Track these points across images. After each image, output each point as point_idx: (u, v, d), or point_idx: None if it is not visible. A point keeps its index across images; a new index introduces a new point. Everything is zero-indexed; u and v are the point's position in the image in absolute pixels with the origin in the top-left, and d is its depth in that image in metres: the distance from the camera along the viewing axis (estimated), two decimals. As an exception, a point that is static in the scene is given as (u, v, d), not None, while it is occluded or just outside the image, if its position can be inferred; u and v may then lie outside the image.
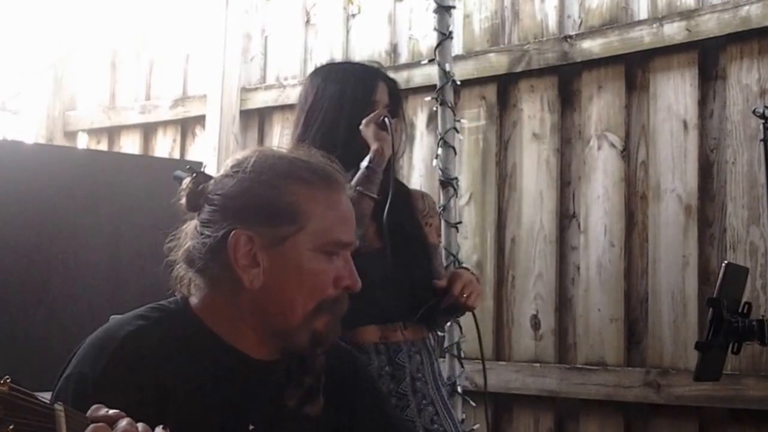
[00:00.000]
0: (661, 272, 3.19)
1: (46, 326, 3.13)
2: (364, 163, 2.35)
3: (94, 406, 1.12)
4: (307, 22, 4.35)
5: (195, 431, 1.33)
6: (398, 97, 2.58)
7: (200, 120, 4.57)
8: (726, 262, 2.20)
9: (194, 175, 1.48)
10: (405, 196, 2.59)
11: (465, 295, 2.36)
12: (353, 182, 2.31)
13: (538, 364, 3.39)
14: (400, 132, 2.53)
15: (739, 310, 2.13)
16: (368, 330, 2.37)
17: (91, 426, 1.07)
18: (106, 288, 3.26)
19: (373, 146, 2.36)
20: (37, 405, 1.02)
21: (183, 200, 1.49)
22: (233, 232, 1.41)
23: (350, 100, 2.44)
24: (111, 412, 1.11)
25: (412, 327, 2.43)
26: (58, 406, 1.05)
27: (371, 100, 2.45)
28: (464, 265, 3.00)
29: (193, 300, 1.49)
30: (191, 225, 1.49)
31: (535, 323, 3.44)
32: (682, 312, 3.13)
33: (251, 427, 1.42)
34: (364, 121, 2.38)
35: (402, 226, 2.46)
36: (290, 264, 1.42)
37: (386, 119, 2.38)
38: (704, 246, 3.13)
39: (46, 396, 1.12)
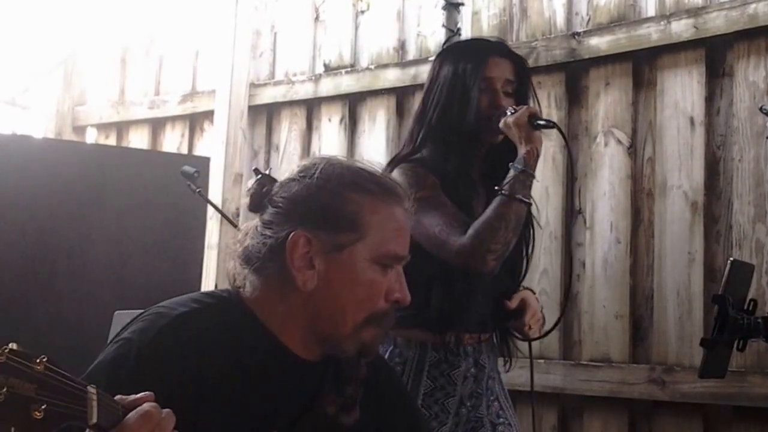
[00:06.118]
0: (667, 269, 3.19)
1: (50, 320, 3.15)
2: (518, 166, 2.18)
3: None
4: (316, 18, 4.36)
5: (224, 419, 1.37)
6: (523, 71, 2.42)
7: (208, 115, 4.58)
8: (732, 258, 2.18)
9: (259, 176, 1.52)
10: None
11: (530, 327, 2.35)
12: (506, 188, 2.16)
13: (542, 361, 3.39)
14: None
15: (745, 307, 2.11)
16: (464, 336, 2.33)
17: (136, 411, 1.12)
18: (111, 282, 3.28)
19: (525, 148, 2.18)
20: (70, 386, 1.04)
21: (247, 200, 1.53)
22: (293, 233, 1.44)
23: (462, 77, 2.32)
24: (140, 395, 1.15)
25: None
26: (91, 389, 1.07)
27: (483, 77, 2.32)
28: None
29: (246, 294, 1.51)
30: (251, 225, 1.53)
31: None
32: (687, 309, 3.13)
33: None
34: (511, 119, 2.22)
35: None
36: (345, 272, 1.45)
37: (539, 119, 2.21)
38: (710, 243, 3.13)
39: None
